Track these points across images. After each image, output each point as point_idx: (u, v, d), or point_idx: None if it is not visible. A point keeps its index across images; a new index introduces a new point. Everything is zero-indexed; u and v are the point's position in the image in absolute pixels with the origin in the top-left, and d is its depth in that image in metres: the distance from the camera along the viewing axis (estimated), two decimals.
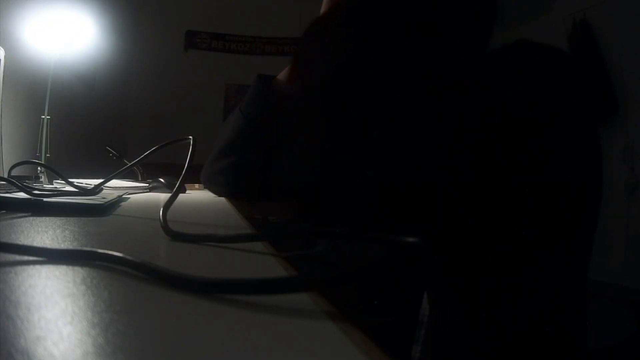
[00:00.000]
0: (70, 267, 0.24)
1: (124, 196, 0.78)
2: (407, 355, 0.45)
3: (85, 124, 2.58)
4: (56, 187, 0.86)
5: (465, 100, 0.50)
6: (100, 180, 0.70)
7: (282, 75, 0.63)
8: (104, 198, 0.62)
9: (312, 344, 0.16)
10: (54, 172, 0.87)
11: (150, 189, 1.10)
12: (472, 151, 0.45)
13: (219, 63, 3.79)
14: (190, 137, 0.56)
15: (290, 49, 3.80)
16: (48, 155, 1.36)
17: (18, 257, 0.25)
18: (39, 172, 1.06)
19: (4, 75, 0.85)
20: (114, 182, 1.05)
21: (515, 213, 0.43)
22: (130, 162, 0.70)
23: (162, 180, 1.10)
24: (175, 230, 0.37)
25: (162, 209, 0.42)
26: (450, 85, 0.51)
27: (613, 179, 2.56)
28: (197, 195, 1.14)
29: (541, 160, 0.43)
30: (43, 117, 1.35)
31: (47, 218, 0.45)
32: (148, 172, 1.31)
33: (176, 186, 0.51)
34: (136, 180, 1.26)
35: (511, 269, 0.42)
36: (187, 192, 1.19)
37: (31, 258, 0.25)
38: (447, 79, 0.54)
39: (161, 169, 1.18)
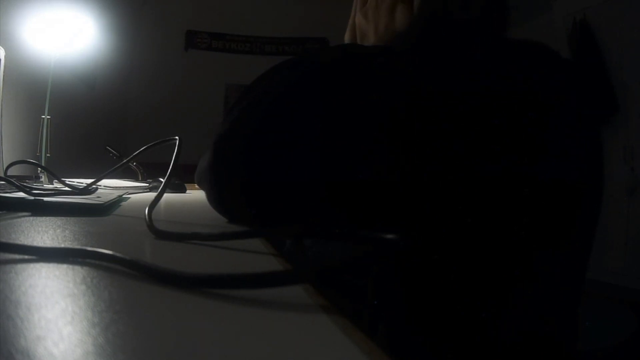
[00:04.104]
0: (71, 267, 0.24)
1: (124, 196, 0.78)
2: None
3: (85, 124, 2.58)
4: (56, 187, 0.86)
5: (463, 99, 0.50)
6: (94, 180, 0.70)
7: None
8: (99, 197, 0.62)
9: (308, 337, 0.16)
10: (48, 172, 0.87)
11: (151, 189, 1.10)
12: (472, 151, 0.45)
13: (219, 63, 3.79)
14: (176, 137, 0.57)
15: (291, 49, 3.80)
16: (48, 155, 1.36)
17: (18, 257, 0.25)
18: (39, 171, 1.06)
19: (4, 75, 0.85)
20: (115, 182, 1.06)
21: (515, 213, 0.43)
22: (122, 162, 0.70)
23: (162, 180, 1.10)
24: (160, 229, 0.37)
25: (147, 209, 0.42)
26: (447, 82, 0.51)
27: (613, 179, 2.56)
28: (197, 195, 1.14)
29: (540, 160, 0.43)
30: (43, 117, 1.35)
31: (47, 218, 0.45)
32: (148, 172, 1.31)
33: (161, 187, 0.51)
34: (136, 180, 1.26)
35: (509, 269, 0.42)
36: (188, 191, 1.19)
37: (30, 257, 0.25)
38: (444, 77, 0.54)
39: (161, 169, 1.18)
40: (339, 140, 0.44)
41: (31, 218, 0.44)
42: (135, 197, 0.86)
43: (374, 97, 0.46)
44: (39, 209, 0.50)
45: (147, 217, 0.40)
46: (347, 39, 0.66)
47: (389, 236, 0.26)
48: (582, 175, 0.45)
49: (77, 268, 0.24)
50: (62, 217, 0.46)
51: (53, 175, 0.84)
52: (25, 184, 0.69)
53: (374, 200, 0.44)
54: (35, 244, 0.31)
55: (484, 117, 0.46)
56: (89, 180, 0.71)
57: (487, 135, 0.45)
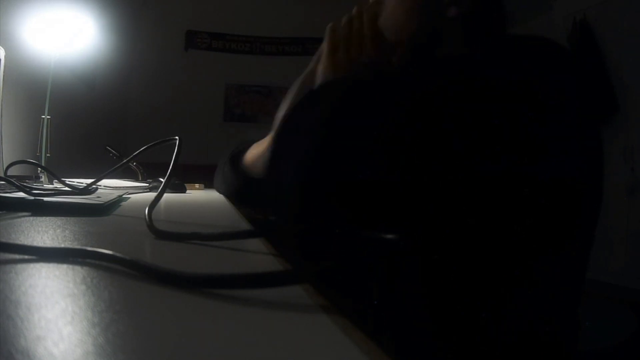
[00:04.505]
0: (71, 267, 0.24)
1: (124, 196, 0.78)
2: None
3: (85, 124, 2.58)
4: (56, 187, 0.86)
5: (464, 99, 0.49)
6: (94, 180, 0.70)
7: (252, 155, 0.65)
8: (99, 197, 0.62)
9: (308, 337, 0.16)
10: (48, 172, 0.87)
11: (151, 189, 1.10)
12: (472, 151, 0.45)
13: (219, 63, 3.79)
14: (177, 137, 0.57)
15: (291, 49, 3.80)
16: (48, 155, 1.36)
17: (18, 257, 0.25)
18: (39, 171, 1.06)
19: (4, 75, 0.85)
20: (115, 182, 1.06)
21: (515, 213, 0.43)
22: (122, 162, 0.70)
23: (162, 180, 1.10)
24: (160, 229, 0.37)
25: (147, 209, 0.42)
26: (446, 83, 0.51)
27: (613, 179, 2.55)
28: (197, 195, 1.14)
29: (540, 161, 0.43)
30: (43, 117, 1.35)
31: (47, 218, 0.45)
32: (148, 172, 1.31)
33: (161, 187, 0.51)
34: (136, 180, 1.26)
35: (510, 269, 0.42)
36: (188, 191, 1.19)
37: (30, 257, 0.25)
38: (442, 76, 0.54)
39: (161, 169, 1.18)
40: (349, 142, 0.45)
41: (31, 218, 0.44)
42: (135, 197, 0.86)
43: (385, 100, 0.46)
44: (39, 209, 0.50)
45: (147, 217, 0.40)
46: (299, 82, 0.65)
47: (389, 236, 0.26)
48: (582, 175, 0.45)
49: (77, 268, 0.24)
50: (62, 217, 0.46)
51: (53, 175, 0.84)
52: (25, 184, 0.69)
53: (389, 200, 0.45)
54: (35, 244, 0.31)
55: (484, 117, 0.46)
56: (89, 180, 0.71)
57: (487, 135, 0.45)
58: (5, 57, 0.85)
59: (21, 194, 0.56)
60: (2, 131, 0.87)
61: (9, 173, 0.85)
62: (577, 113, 0.46)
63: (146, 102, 3.57)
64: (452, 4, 0.56)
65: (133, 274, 0.23)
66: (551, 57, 0.49)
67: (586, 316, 0.51)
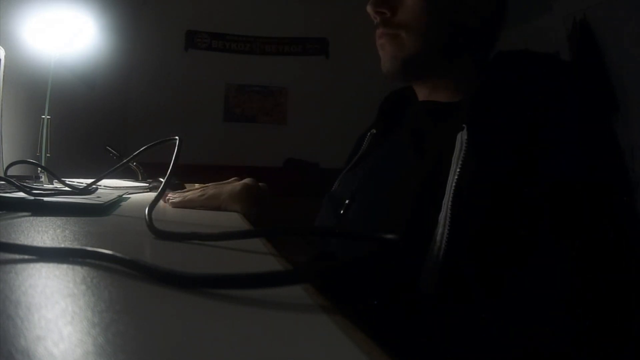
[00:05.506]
0: (71, 267, 0.24)
1: (124, 196, 0.78)
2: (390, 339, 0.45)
3: (85, 124, 2.58)
4: (56, 187, 0.86)
5: (465, 104, 0.50)
6: (94, 180, 0.70)
7: None
8: (99, 197, 0.62)
9: (308, 337, 0.16)
10: (48, 172, 0.87)
11: (151, 189, 1.10)
12: (474, 153, 0.45)
13: (219, 63, 3.79)
14: (177, 137, 0.56)
15: (291, 49, 3.80)
16: (48, 155, 1.36)
17: (18, 257, 0.25)
18: (39, 171, 1.06)
19: (4, 75, 0.85)
20: (115, 182, 1.06)
21: (515, 213, 0.43)
22: (122, 162, 0.70)
23: (162, 180, 1.10)
24: (160, 229, 0.37)
25: (147, 209, 0.42)
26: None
27: None
28: None
29: (538, 162, 0.43)
30: (43, 117, 1.35)
31: (47, 218, 0.45)
32: (148, 171, 1.31)
33: (161, 187, 0.51)
34: (136, 180, 1.26)
35: (510, 269, 0.42)
36: None
37: (29, 257, 0.25)
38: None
39: (161, 169, 1.18)
40: None
41: (31, 218, 0.44)
42: (135, 197, 0.86)
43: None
44: (39, 209, 0.50)
45: (147, 217, 0.40)
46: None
47: (389, 236, 0.26)
48: (581, 175, 0.45)
49: (77, 268, 0.24)
50: (62, 217, 0.46)
51: (53, 175, 0.84)
52: (25, 184, 0.69)
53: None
54: (35, 244, 0.31)
55: (488, 120, 0.46)
56: (89, 180, 0.71)
57: (487, 137, 0.45)
58: (5, 57, 0.85)
59: (21, 194, 0.56)
60: (2, 131, 0.87)
61: (9, 173, 0.84)
62: (570, 116, 0.46)
63: (146, 102, 3.57)
64: (472, 15, 0.56)
65: (133, 274, 0.23)
66: (545, 64, 0.50)
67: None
